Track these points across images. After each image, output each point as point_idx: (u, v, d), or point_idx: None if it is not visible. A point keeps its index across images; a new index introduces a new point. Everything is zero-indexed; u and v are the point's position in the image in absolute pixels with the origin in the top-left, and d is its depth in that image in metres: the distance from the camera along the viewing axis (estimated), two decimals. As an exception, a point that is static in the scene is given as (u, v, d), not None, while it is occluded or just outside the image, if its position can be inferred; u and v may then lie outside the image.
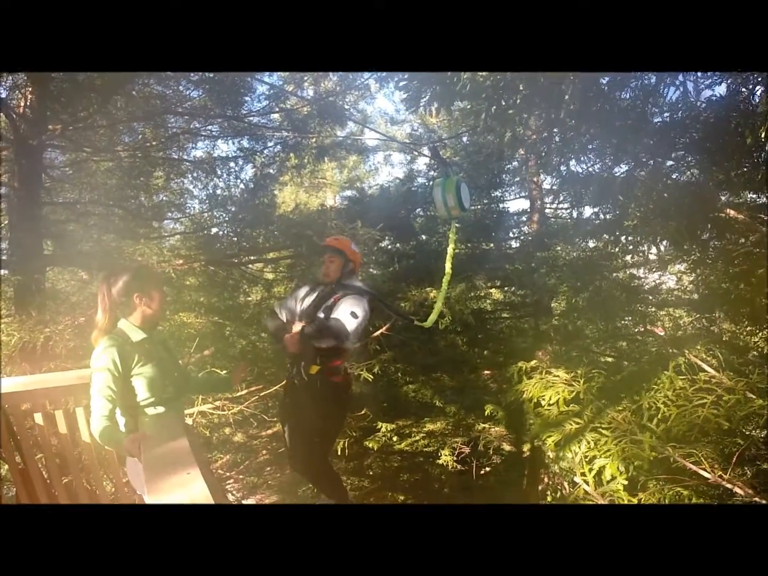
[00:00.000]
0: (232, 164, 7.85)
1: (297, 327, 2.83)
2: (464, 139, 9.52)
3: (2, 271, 5.34)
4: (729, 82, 3.16)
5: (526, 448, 7.65)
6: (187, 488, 1.22)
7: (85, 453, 2.62)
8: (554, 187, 8.27)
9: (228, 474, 6.88)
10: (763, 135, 2.91)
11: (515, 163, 9.43)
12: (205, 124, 7.20)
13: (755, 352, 4.20)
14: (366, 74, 7.81)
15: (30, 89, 5.27)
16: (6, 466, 3.21)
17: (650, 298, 6.63)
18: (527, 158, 8.55)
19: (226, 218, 7.28)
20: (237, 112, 6.73)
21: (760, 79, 3.03)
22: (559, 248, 7.43)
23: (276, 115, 7.87)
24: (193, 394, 4.72)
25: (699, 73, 3.18)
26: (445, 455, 7.38)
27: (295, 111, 7.79)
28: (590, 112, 3.31)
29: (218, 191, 7.97)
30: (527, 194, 9.56)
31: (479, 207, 9.11)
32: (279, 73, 8.37)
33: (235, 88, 6.24)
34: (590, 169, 4.03)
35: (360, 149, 10.83)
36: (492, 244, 9.27)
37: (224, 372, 4.81)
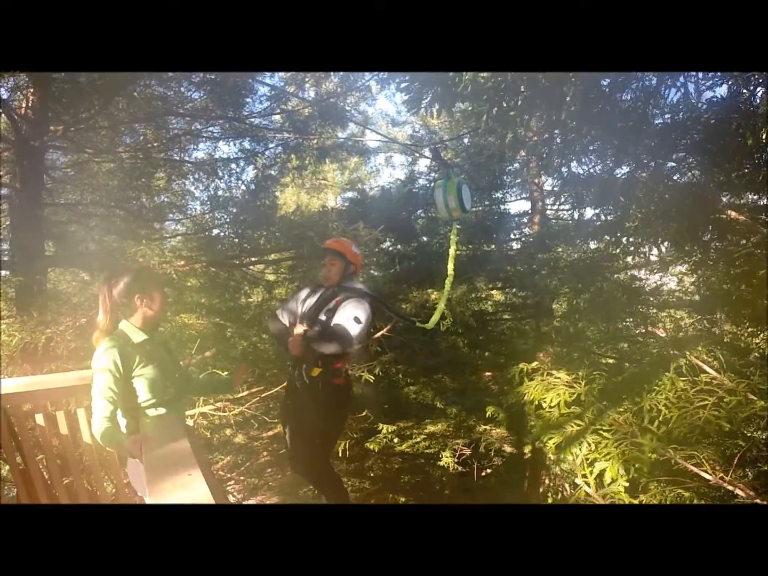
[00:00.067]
0: (233, 165, 7.86)
1: (299, 329, 2.83)
2: (465, 140, 9.53)
3: (4, 272, 5.35)
4: (730, 83, 3.16)
5: (527, 449, 7.65)
6: (189, 489, 1.22)
7: (86, 454, 2.62)
8: (555, 189, 8.27)
9: (229, 475, 6.88)
10: (764, 136, 2.91)
11: (516, 165, 9.45)
12: (207, 126, 7.21)
13: (756, 354, 4.19)
14: (367, 75, 7.81)
15: (31, 90, 5.28)
16: (7, 467, 3.22)
17: (651, 299, 6.62)
18: (528, 160, 8.56)
19: (228, 219, 7.28)
20: (238, 113, 6.73)
21: (761, 80, 3.03)
22: (560, 249, 7.44)
23: (277, 117, 7.89)
24: (194, 396, 4.72)
25: (700, 75, 3.18)
26: (446, 457, 7.38)
27: (296, 112, 7.79)
28: (591, 113, 3.31)
29: (219, 192, 7.98)
30: (528, 196, 9.57)
31: (480, 208, 9.12)
32: (280, 74, 8.39)
33: (237, 90, 6.25)
34: (591, 170, 4.03)
35: (361, 151, 10.83)
36: (493, 246, 9.28)
37: (225, 373, 4.81)
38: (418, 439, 7.62)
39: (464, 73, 2.85)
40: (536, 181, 9.07)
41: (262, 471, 7.60)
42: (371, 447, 7.29)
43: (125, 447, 1.91)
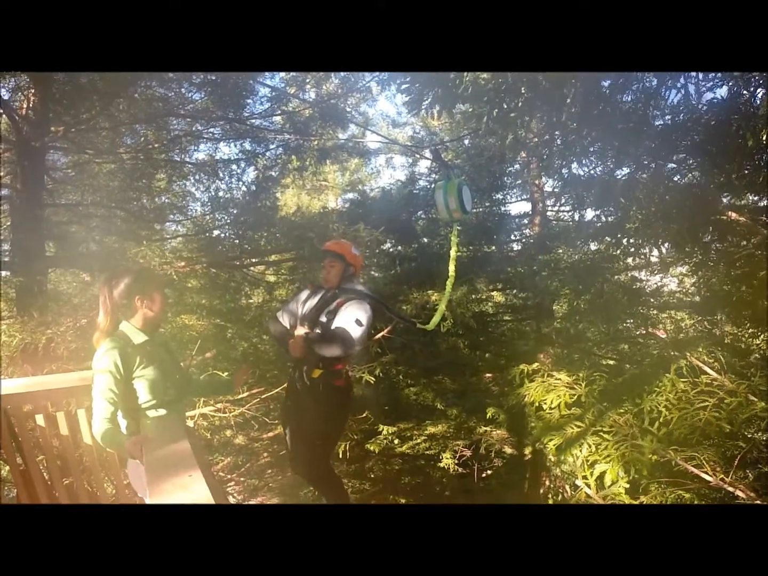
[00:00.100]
0: (234, 167, 7.88)
1: (300, 331, 2.83)
2: (466, 141, 9.54)
3: (4, 273, 5.36)
4: (730, 84, 3.16)
5: (527, 451, 7.65)
6: (189, 490, 1.22)
7: (87, 455, 2.62)
8: (556, 190, 8.27)
9: (229, 476, 6.88)
10: (764, 137, 2.91)
11: (517, 166, 9.45)
12: (207, 127, 7.21)
13: (757, 355, 4.19)
14: (368, 77, 7.82)
15: (33, 91, 5.29)
16: (7, 467, 3.22)
17: (652, 300, 6.61)
18: (529, 161, 8.56)
19: (228, 220, 7.28)
20: (239, 114, 6.74)
21: (761, 82, 3.03)
22: (560, 251, 7.43)
23: (278, 118, 7.89)
24: (195, 397, 4.72)
25: (700, 76, 3.18)
26: (447, 458, 7.38)
27: (296, 113, 7.80)
28: (592, 115, 3.31)
29: (220, 193, 7.99)
30: (529, 197, 9.57)
31: (481, 210, 9.13)
32: (281, 75, 8.40)
33: (237, 91, 6.25)
34: (592, 171, 4.03)
35: (362, 152, 10.83)
36: (494, 247, 9.29)
37: (226, 374, 4.81)
38: (419, 441, 7.62)
39: (465, 74, 2.85)
40: (537, 182, 9.08)
41: (263, 472, 7.60)
42: (372, 448, 7.29)
43: (126, 448, 1.91)
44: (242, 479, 7.23)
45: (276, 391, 5.42)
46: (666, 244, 4.06)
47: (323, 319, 2.83)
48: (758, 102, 3.10)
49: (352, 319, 2.72)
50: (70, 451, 2.59)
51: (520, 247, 9.65)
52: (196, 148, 7.89)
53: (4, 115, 5.49)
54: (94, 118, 5.70)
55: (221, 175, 7.79)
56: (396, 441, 7.52)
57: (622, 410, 3.62)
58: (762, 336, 4.18)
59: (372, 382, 6.12)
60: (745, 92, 3.17)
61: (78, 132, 5.84)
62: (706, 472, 3.13)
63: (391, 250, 8.89)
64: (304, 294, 3.06)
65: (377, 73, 6.57)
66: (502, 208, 9.61)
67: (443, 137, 11.20)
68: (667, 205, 3.66)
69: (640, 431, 3.39)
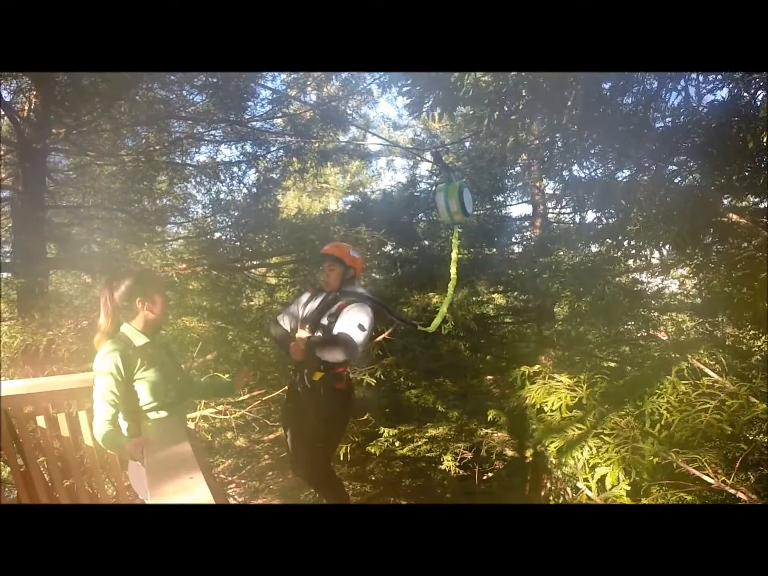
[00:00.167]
0: (235, 169, 7.89)
1: (301, 334, 2.83)
2: (467, 144, 9.55)
3: (6, 274, 5.37)
4: (731, 86, 3.17)
5: (528, 453, 7.64)
6: (190, 492, 1.22)
7: (87, 456, 2.62)
8: (557, 192, 8.27)
9: (230, 479, 6.87)
10: (764, 139, 2.91)
11: (518, 168, 9.45)
12: (209, 129, 7.23)
13: (758, 357, 4.19)
14: (368, 79, 7.83)
15: (34, 93, 5.31)
16: (8, 469, 3.22)
17: (653, 302, 6.60)
18: (530, 163, 8.56)
19: (229, 223, 7.30)
20: (240, 116, 6.75)
21: (761, 84, 3.04)
22: (561, 253, 7.43)
23: (279, 120, 7.90)
24: (196, 399, 4.72)
25: (701, 78, 3.19)
26: (448, 460, 7.36)
27: (297, 116, 7.81)
28: (592, 117, 3.31)
29: (221, 196, 8.02)
30: (530, 199, 9.58)
31: (482, 212, 9.12)
32: (282, 77, 8.41)
33: (239, 93, 6.27)
34: (593, 173, 4.04)
35: (363, 154, 10.83)
36: (494, 249, 9.28)
37: (227, 376, 4.80)
38: (420, 443, 7.60)
39: (466, 77, 2.86)
40: (537, 184, 9.08)
41: (263, 474, 7.59)
42: (372, 450, 7.27)
43: (127, 450, 1.91)
44: (243, 481, 7.22)
45: (277, 393, 5.41)
46: (667, 246, 4.06)
47: (324, 321, 2.83)
48: (759, 104, 3.11)
49: (354, 323, 2.71)
50: (70, 452, 2.59)
51: (521, 250, 9.65)
52: (197, 150, 7.93)
53: (5, 117, 5.51)
54: (95, 120, 5.71)
55: (222, 177, 7.81)
56: (397, 443, 7.50)
57: (623, 412, 3.62)
58: (763, 338, 4.18)
59: (373, 384, 6.11)
60: (745, 94, 3.17)
61: (79, 134, 5.85)
62: (708, 474, 3.13)
63: (392, 252, 8.89)
64: (305, 296, 3.06)
65: (378, 76, 6.61)
66: (503, 211, 9.63)
67: (444, 139, 11.21)
68: (667, 207, 3.66)
69: (642, 433, 3.38)
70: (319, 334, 2.82)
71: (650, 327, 6.18)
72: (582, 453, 3.50)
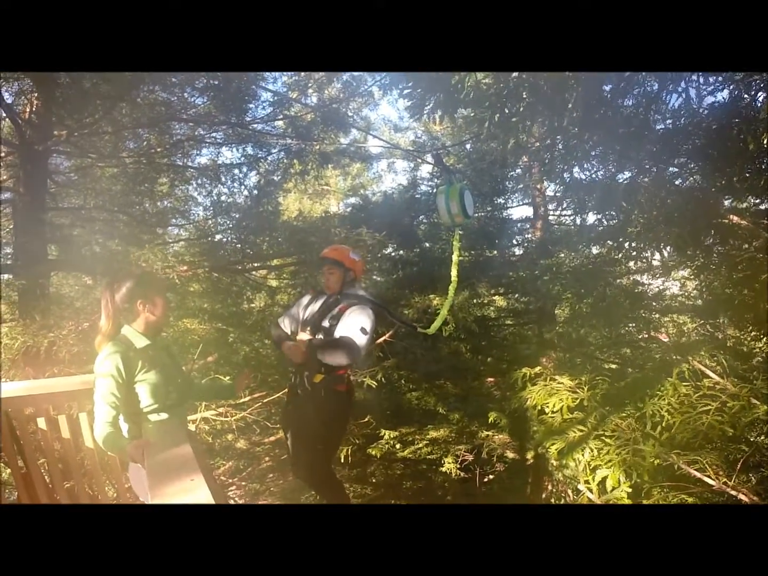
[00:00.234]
0: (236, 171, 7.89)
1: (302, 336, 2.83)
2: (468, 146, 9.55)
3: (7, 276, 5.37)
4: (731, 88, 3.17)
5: (529, 455, 7.62)
6: (191, 495, 1.22)
7: (88, 458, 2.62)
8: (557, 194, 8.27)
9: (230, 481, 6.86)
10: (765, 141, 2.91)
11: (518, 171, 9.45)
12: (210, 131, 7.24)
13: (759, 358, 4.19)
14: (369, 81, 7.85)
15: (36, 95, 5.32)
16: (8, 470, 3.22)
17: (654, 304, 6.59)
18: (530, 165, 8.57)
19: (230, 225, 7.31)
20: (241, 119, 6.76)
21: (762, 85, 3.04)
22: (562, 255, 7.43)
23: (280, 122, 7.90)
24: (197, 401, 4.72)
25: (701, 80, 3.19)
26: (449, 463, 7.36)
27: (299, 118, 7.82)
28: (593, 119, 3.31)
29: (222, 198, 8.02)
30: (530, 201, 9.58)
31: (483, 214, 9.12)
32: (283, 80, 8.43)
33: (240, 95, 6.28)
34: (593, 175, 4.03)
35: (364, 156, 10.85)
36: (495, 251, 9.28)
37: (227, 378, 4.81)
38: (420, 445, 7.60)
39: (466, 79, 2.86)
40: (538, 186, 9.09)
41: (264, 476, 7.58)
42: (373, 453, 7.27)
43: (127, 452, 1.91)
44: (244, 483, 7.21)
45: (278, 395, 5.41)
46: (668, 248, 4.06)
47: (326, 324, 2.83)
48: (759, 105, 3.10)
49: (357, 326, 2.71)
50: (71, 454, 2.59)
51: (521, 252, 9.65)
52: (198, 152, 7.95)
53: (7, 119, 5.52)
54: (97, 122, 5.72)
55: (223, 179, 7.81)
56: (398, 445, 7.51)
57: (624, 414, 3.61)
58: (764, 339, 4.18)
59: (374, 386, 6.11)
60: (745, 96, 3.17)
61: (81, 136, 5.86)
62: (709, 476, 3.12)
63: (393, 254, 8.88)
64: (306, 299, 3.06)
65: (379, 78, 6.61)
66: (504, 213, 9.62)
67: (445, 142, 11.22)
68: (668, 208, 3.66)
69: (643, 435, 3.38)
70: (320, 336, 2.82)
71: (651, 329, 6.17)
72: (583, 455, 3.49)
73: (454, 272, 2.93)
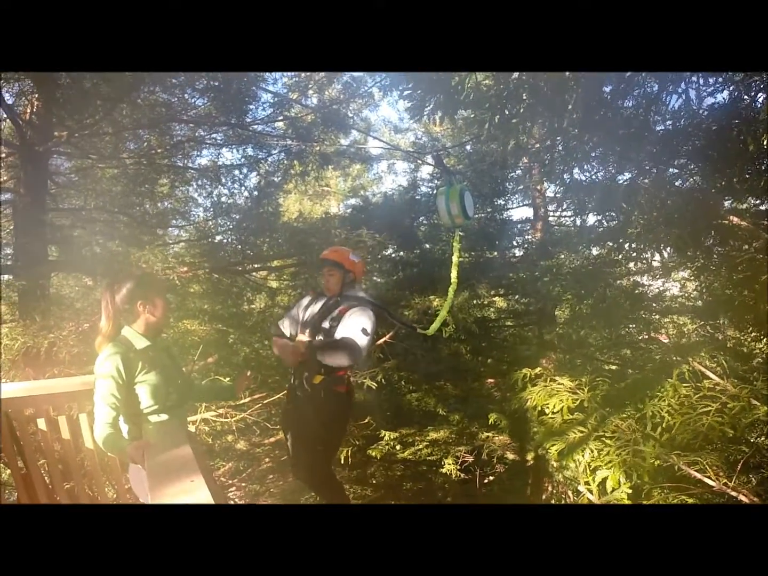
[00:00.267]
0: (236, 172, 7.90)
1: (302, 338, 2.83)
2: (468, 147, 9.55)
3: (7, 276, 5.37)
4: (731, 89, 3.17)
5: (530, 456, 7.62)
6: (191, 496, 1.22)
7: (88, 459, 2.62)
8: (558, 195, 8.28)
9: (230, 482, 6.86)
10: (765, 142, 2.92)
11: (519, 172, 9.45)
12: (210, 132, 7.25)
13: (759, 359, 4.18)
14: (369, 82, 7.85)
15: (36, 96, 5.33)
16: (8, 471, 3.22)
17: (654, 305, 6.59)
18: (531, 166, 8.57)
19: (231, 226, 7.31)
20: (241, 120, 6.77)
21: (761, 86, 3.04)
22: (562, 256, 7.43)
23: (280, 123, 7.91)
24: (197, 402, 4.72)
25: (701, 81, 3.19)
26: (449, 464, 7.35)
27: (299, 119, 7.83)
28: (593, 120, 3.32)
29: (222, 199, 8.02)
30: (531, 202, 9.59)
31: (483, 215, 9.12)
32: (283, 81, 8.44)
33: (240, 97, 6.28)
34: (593, 177, 4.04)
35: (364, 157, 10.86)
36: (495, 253, 9.28)
37: (228, 380, 4.81)
38: (421, 446, 7.60)
39: (467, 81, 2.86)
40: (538, 187, 9.09)
41: (264, 477, 7.58)
42: (373, 454, 7.26)
43: (127, 453, 1.91)
44: (244, 484, 7.21)
45: (278, 396, 5.41)
46: (668, 249, 4.06)
47: (326, 325, 2.82)
48: (759, 106, 3.11)
49: (358, 327, 2.71)
50: (71, 455, 2.59)
51: (522, 253, 9.65)
52: (198, 153, 7.95)
53: (7, 120, 5.52)
54: (97, 123, 5.73)
55: (224, 180, 7.82)
56: (398, 447, 7.50)
57: (624, 415, 3.61)
58: (764, 340, 4.17)
59: (374, 387, 6.11)
60: (745, 97, 3.18)
61: (81, 137, 5.87)
62: (709, 477, 3.12)
63: (393, 255, 8.88)
64: (306, 300, 3.06)
65: (379, 79, 6.62)
66: (504, 214, 9.61)
67: (445, 143, 11.23)
68: (668, 209, 3.66)
69: (643, 436, 3.38)
70: (320, 337, 2.82)
71: (651, 330, 6.17)
72: (583, 456, 3.49)
73: (453, 274, 2.93)
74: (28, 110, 5.44)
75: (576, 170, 4.00)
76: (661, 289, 7.66)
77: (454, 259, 2.92)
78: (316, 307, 2.95)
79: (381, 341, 6.15)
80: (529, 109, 3.09)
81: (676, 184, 3.86)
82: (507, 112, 3.09)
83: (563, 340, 7.92)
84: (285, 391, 3.42)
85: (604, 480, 3.29)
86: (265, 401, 5.56)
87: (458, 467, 7.39)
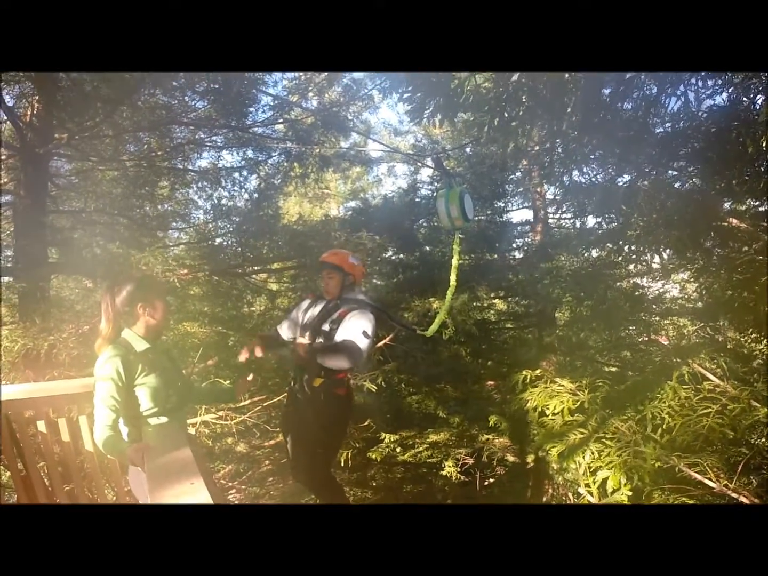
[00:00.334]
0: (236, 174, 7.88)
1: (302, 341, 2.83)
2: (467, 150, 9.56)
3: (7, 278, 5.38)
4: (730, 91, 3.18)
5: (530, 458, 7.62)
6: (191, 498, 1.22)
7: (88, 461, 2.62)
8: (557, 198, 8.27)
9: (230, 484, 6.85)
10: (764, 143, 2.92)
11: (518, 174, 9.46)
12: (210, 135, 7.24)
13: (760, 360, 4.19)
14: (369, 85, 7.85)
15: (37, 98, 5.33)
16: (8, 473, 3.21)
17: (654, 307, 6.60)
18: (530, 169, 8.58)
19: (231, 228, 7.29)
20: (241, 122, 6.77)
21: (761, 88, 3.04)
22: (562, 258, 7.44)
23: (280, 126, 7.91)
24: (197, 404, 4.71)
25: (700, 83, 3.19)
26: (449, 466, 7.35)
27: (299, 121, 7.83)
28: (592, 122, 3.32)
29: (223, 201, 8.01)
30: (530, 204, 9.59)
31: (482, 218, 9.14)
32: (283, 83, 8.44)
33: (240, 99, 6.28)
34: (593, 179, 4.04)
35: (364, 160, 10.86)
36: (495, 255, 9.29)
37: (228, 382, 4.80)
38: (421, 449, 7.59)
39: (466, 83, 2.87)
40: (538, 190, 9.10)
41: (264, 480, 7.57)
42: (373, 456, 7.26)
43: (127, 455, 1.91)
44: (243, 487, 7.20)
45: (278, 398, 5.41)
46: (667, 251, 4.06)
47: (326, 328, 2.83)
48: (758, 108, 3.11)
49: (358, 330, 2.71)
50: (71, 457, 2.58)
51: (521, 255, 9.66)
52: (198, 156, 7.92)
53: (8, 122, 5.53)
54: (97, 126, 5.72)
55: (224, 183, 7.81)
56: (398, 449, 7.49)
57: (624, 417, 3.61)
58: (764, 341, 4.17)
59: (374, 390, 6.10)
60: (744, 99, 3.18)
61: (82, 139, 5.87)
62: (710, 479, 3.12)
63: (393, 258, 8.89)
64: (306, 303, 3.06)
65: (379, 82, 6.62)
66: (504, 216, 9.63)
67: (445, 145, 11.23)
68: (668, 211, 3.66)
69: (643, 438, 3.38)
70: (320, 340, 2.82)
71: (651, 332, 6.17)
72: (583, 457, 3.49)
73: (453, 277, 2.92)
74: (29, 112, 5.44)
75: (575, 172, 4.01)
76: (661, 290, 7.68)
77: (454, 261, 2.91)
78: (316, 310, 2.95)
79: (381, 344, 6.15)
80: (529, 111, 3.09)
81: (676, 186, 3.86)
82: (506, 115, 3.09)
83: (563, 342, 7.92)
84: (285, 394, 3.42)
85: (605, 482, 3.29)
86: (265, 404, 5.56)
87: (458, 469, 7.39)
